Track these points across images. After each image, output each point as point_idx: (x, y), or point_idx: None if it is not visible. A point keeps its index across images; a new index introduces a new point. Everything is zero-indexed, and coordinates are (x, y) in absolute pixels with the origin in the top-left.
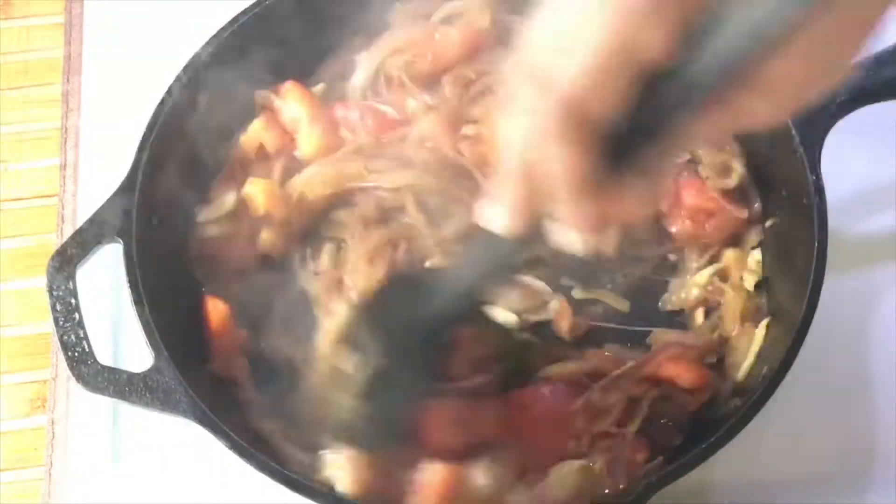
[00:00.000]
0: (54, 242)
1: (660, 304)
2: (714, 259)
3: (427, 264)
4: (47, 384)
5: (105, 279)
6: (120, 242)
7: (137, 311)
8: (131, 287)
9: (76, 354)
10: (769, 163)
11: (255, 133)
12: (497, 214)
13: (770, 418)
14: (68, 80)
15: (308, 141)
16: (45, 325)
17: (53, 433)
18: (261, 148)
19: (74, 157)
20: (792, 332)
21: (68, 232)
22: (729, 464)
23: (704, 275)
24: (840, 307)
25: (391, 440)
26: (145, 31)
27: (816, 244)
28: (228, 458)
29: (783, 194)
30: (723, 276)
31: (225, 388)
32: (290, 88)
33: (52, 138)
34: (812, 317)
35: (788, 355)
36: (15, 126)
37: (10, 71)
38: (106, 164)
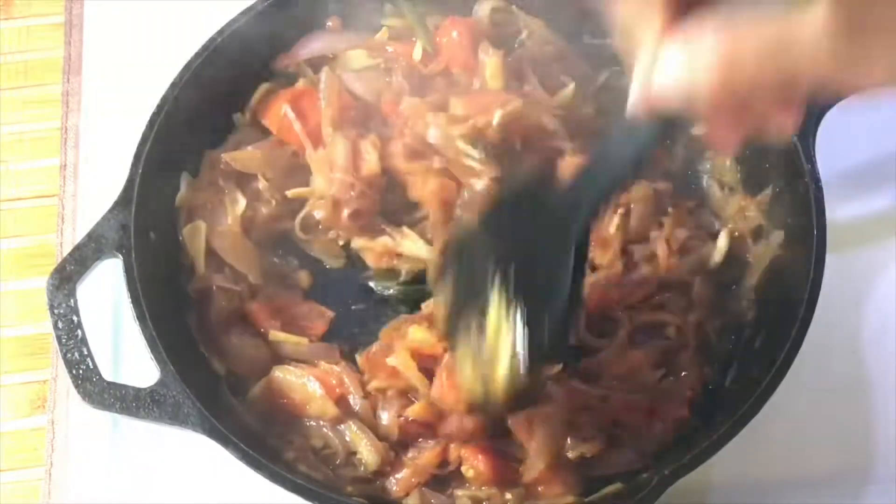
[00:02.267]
0: (54, 242)
1: None
2: None
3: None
4: (47, 384)
5: (103, 294)
6: (119, 258)
7: (140, 326)
8: (133, 303)
9: (81, 372)
10: (763, 153)
11: None
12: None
13: (770, 418)
14: (68, 80)
15: None
16: (45, 325)
17: (53, 433)
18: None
19: (74, 157)
20: (797, 316)
21: (68, 232)
22: (729, 464)
23: None
24: (838, 291)
25: None
26: (145, 32)
27: (815, 232)
28: (228, 457)
29: (779, 183)
30: None
31: (229, 398)
32: None
33: (52, 138)
34: (816, 300)
35: (796, 337)
36: (15, 126)
37: (10, 71)
38: (106, 164)
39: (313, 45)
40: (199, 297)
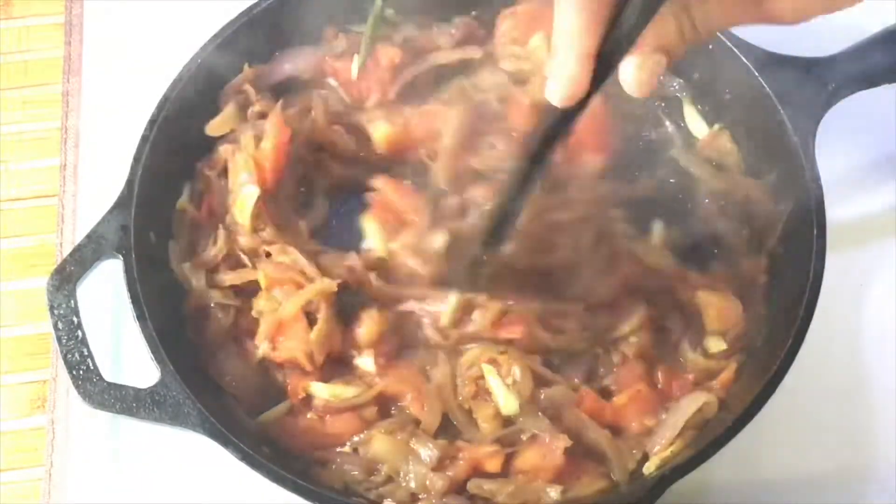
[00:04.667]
0: (54, 242)
1: None
2: None
3: None
4: (47, 384)
5: (103, 294)
6: (119, 258)
7: (141, 326)
8: (133, 303)
9: (81, 372)
10: (764, 154)
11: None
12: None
13: (770, 418)
14: (68, 80)
15: None
16: (45, 325)
17: (53, 433)
18: None
19: (74, 158)
20: (797, 315)
21: (68, 232)
22: (729, 464)
23: None
24: (838, 291)
25: None
26: (145, 32)
27: (815, 231)
28: (228, 457)
29: (780, 184)
30: None
31: (228, 398)
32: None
33: (52, 138)
34: (816, 299)
35: (796, 337)
36: (15, 126)
37: (10, 71)
38: (106, 164)
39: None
40: (195, 314)
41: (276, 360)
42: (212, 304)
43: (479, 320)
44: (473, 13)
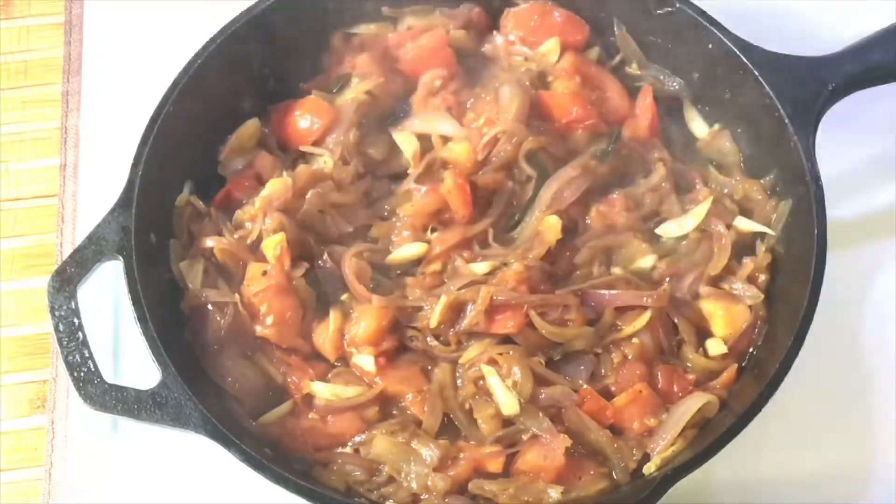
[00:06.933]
0: (54, 242)
1: None
2: None
3: None
4: (47, 384)
5: (103, 295)
6: (119, 259)
7: (142, 328)
8: (134, 304)
9: (82, 374)
10: (764, 153)
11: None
12: None
13: (770, 418)
14: (68, 80)
15: None
16: (45, 325)
17: (53, 433)
18: None
19: (74, 158)
20: (798, 314)
21: (68, 232)
22: (729, 464)
23: None
24: (838, 290)
25: None
26: (145, 32)
27: (816, 230)
28: (229, 458)
29: (780, 181)
30: None
31: (230, 400)
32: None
33: (52, 138)
34: (817, 299)
35: (797, 337)
36: (15, 126)
37: (10, 71)
38: (106, 164)
39: None
40: (194, 314)
41: (271, 339)
42: (209, 305)
43: (470, 314)
44: (476, 10)
